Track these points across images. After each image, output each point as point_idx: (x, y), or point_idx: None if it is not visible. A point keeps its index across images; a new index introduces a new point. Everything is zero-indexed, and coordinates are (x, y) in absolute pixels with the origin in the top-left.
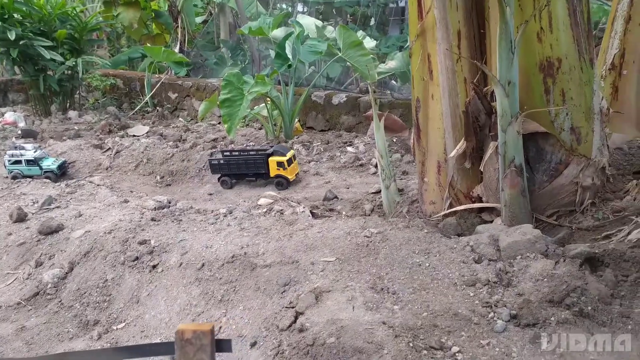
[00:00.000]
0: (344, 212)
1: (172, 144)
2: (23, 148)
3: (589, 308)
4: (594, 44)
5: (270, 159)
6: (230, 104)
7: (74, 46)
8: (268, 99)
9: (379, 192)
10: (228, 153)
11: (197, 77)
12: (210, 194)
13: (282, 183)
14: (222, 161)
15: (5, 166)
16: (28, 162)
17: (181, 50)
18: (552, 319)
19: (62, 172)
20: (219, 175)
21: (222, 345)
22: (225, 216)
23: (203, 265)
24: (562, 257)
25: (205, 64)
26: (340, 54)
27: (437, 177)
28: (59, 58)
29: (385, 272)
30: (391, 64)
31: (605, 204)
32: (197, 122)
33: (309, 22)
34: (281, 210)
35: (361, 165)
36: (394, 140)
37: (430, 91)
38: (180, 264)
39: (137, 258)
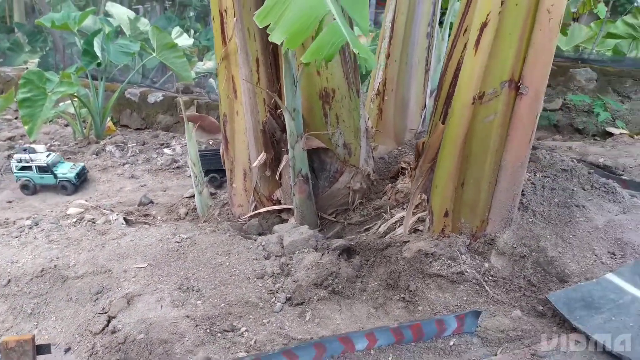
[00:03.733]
0: (159, 217)
1: None
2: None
3: (340, 287)
4: (359, 78)
5: None
6: (31, 104)
7: None
8: (75, 96)
9: (193, 196)
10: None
11: None
12: (10, 202)
13: None
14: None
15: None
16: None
17: None
18: (315, 297)
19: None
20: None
21: (42, 349)
22: (30, 228)
23: (9, 281)
24: (327, 250)
25: None
26: (154, 55)
27: (244, 183)
28: None
29: (192, 273)
30: (208, 64)
31: (370, 203)
32: None
33: (120, 12)
34: (93, 219)
35: (178, 167)
36: (211, 142)
37: (235, 108)
38: None
39: None
